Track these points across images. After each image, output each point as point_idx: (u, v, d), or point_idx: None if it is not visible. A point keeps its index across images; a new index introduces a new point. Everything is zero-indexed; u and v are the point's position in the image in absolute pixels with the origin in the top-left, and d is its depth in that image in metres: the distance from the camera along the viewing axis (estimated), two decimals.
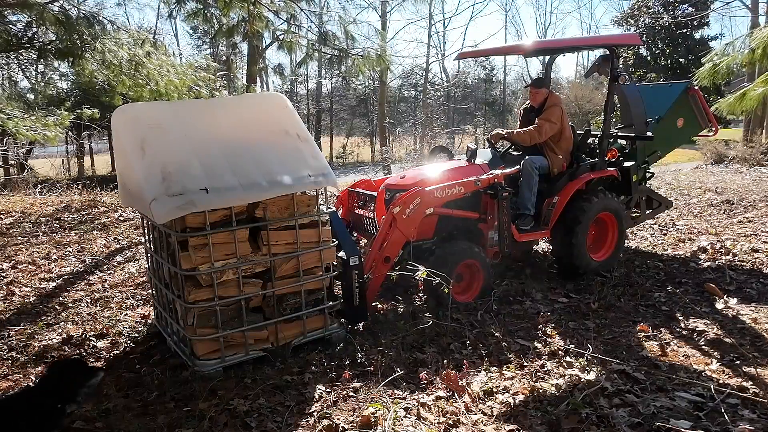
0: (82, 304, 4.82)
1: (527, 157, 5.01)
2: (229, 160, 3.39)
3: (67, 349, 3.87)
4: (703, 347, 3.76)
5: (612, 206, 5.26)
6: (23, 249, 6.55)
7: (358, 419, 2.81)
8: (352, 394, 3.15)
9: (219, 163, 3.35)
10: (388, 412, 2.81)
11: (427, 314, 4.13)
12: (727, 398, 2.95)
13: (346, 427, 2.77)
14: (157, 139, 3.39)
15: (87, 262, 6.09)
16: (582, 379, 3.22)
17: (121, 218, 8.04)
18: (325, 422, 2.80)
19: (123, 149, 3.62)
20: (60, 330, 4.24)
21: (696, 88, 6.09)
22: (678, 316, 4.29)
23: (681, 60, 25.74)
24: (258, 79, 20.52)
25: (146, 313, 4.53)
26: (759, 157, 13.25)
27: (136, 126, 3.47)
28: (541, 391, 3.12)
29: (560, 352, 3.66)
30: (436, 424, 2.78)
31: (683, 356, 3.63)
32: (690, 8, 25.30)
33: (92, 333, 4.14)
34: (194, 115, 3.70)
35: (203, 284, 3.35)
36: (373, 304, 4.37)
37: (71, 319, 4.49)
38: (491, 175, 4.65)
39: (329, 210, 3.92)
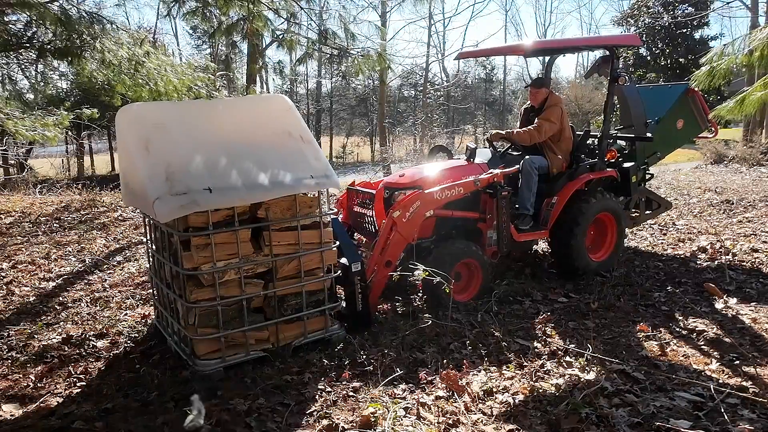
0: (82, 304, 4.82)
1: (527, 157, 5.01)
2: (233, 161, 3.39)
3: (67, 348, 3.87)
4: (703, 347, 3.76)
5: (611, 207, 5.26)
6: (23, 249, 6.55)
7: (358, 419, 2.82)
8: (351, 393, 3.15)
9: (222, 164, 3.35)
10: (388, 411, 2.81)
11: (426, 314, 4.13)
12: (727, 398, 2.96)
13: (346, 426, 2.77)
14: (162, 138, 3.39)
15: (87, 261, 6.09)
16: (582, 379, 3.22)
17: (121, 218, 8.04)
18: (325, 422, 2.80)
19: (127, 148, 3.62)
20: (60, 330, 4.24)
21: (695, 89, 6.09)
22: (678, 316, 4.30)
23: (681, 60, 25.72)
24: (258, 78, 20.52)
25: (146, 313, 4.53)
26: (759, 157, 13.25)
27: (141, 125, 3.47)
28: (540, 390, 3.13)
29: (560, 352, 3.66)
30: (436, 424, 2.78)
31: (683, 356, 3.63)
32: (690, 8, 25.33)
33: (92, 333, 4.14)
34: (198, 116, 3.72)
35: (205, 284, 3.35)
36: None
37: (71, 318, 4.49)
38: (490, 175, 4.65)
39: (331, 216, 3.93)
